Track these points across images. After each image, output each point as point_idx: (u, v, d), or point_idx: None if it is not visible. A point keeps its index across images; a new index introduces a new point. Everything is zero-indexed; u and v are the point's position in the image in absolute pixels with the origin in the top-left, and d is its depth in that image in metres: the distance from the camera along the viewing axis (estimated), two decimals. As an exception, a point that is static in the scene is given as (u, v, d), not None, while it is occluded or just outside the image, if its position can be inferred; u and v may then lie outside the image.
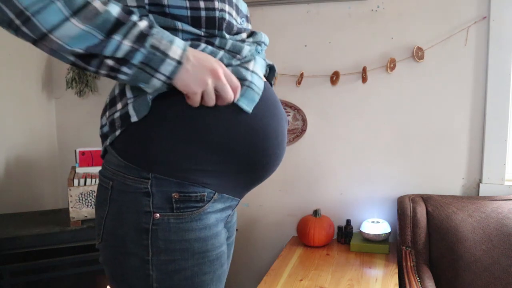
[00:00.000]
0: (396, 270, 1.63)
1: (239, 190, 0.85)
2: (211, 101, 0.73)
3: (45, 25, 0.62)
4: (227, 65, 0.78)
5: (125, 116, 0.75)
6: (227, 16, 0.78)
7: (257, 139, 0.79)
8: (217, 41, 0.77)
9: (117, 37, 0.65)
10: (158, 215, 0.74)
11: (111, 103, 0.79)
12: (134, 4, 0.74)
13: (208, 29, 0.77)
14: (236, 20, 0.83)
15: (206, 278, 0.79)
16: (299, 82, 1.96)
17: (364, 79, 1.88)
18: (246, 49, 0.81)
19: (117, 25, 0.65)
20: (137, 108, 0.74)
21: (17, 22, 0.62)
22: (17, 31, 0.64)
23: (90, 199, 1.56)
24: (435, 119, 1.86)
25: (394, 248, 1.84)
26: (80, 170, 1.65)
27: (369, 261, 1.72)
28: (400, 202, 1.80)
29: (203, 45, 0.76)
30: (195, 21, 0.76)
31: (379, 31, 1.88)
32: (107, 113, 0.80)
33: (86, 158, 1.67)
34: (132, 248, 0.76)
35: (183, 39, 0.75)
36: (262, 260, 2.11)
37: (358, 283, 1.52)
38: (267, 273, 1.61)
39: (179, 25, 0.75)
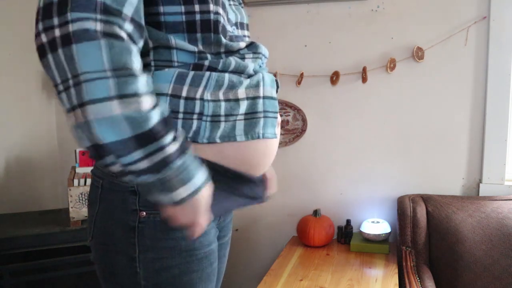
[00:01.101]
0: (396, 270, 1.63)
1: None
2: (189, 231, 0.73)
3: (88, 94, 0.60)
4: (237, 87, 0.78)
5: None
6: (221, 19, 0.78)
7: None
8: (220, 65, 0.76)
9: (137, 150, 0.62)
10: (144, 213, 0.75)
11: None
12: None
13: (204, 33, 0.77)
14: (229, 25, 0.83)
15: (194, 277, 0.79)
16: (299, 82, 1.96)
17: (364, 79, 1.88)
18: (250, 67, 0.81)
19: (148, 137, 0.62)
20: None
21: (69, 83, 0.60)
22: (63, 91, 0.62)
23: (87, 197, 1.56)
24: (435, 119, 1.86)
25: (394, 248, 1.84)
26: (80, 170, 1.65)
27: (369, 261, 1.72)
28: (400, 202, 1.80)
29: (207, 74, 0.75)
30: (190, 26, 0.76)
31: (379, 31, 1.88)
32: None
33: (86, 158, 1.67)
34: (120, 245, 0.76)
35: (179, 61, 0.75)
36: (262, 260, 2.11)
37: (358, 283, 1.52)
38: (267, 273, 1.61)
39: (173, 41, 0.74)
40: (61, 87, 0.62)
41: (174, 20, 0.75)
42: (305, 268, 1.65)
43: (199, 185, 0.69)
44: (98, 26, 0.59)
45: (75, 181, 1.55)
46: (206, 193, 0.71)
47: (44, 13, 0.60)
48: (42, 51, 0.63)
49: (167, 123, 0.65)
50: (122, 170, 0.64)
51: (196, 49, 0.76)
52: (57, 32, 0.60)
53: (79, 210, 1.56)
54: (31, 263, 1.52)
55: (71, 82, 0.60)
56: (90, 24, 0.59)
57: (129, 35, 0.64)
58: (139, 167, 0.63)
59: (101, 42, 0.59)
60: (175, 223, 0.72)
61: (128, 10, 0.63)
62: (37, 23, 0.62)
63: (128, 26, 0.63)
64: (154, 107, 0.63)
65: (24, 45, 1.93)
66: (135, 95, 0.61)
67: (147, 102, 0.62)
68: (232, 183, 0.81)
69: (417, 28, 1.83)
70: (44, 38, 0.61)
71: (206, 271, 0.81)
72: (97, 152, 0.63)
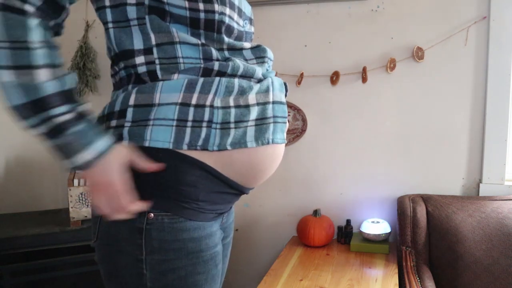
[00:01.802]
0: (396, 270, 1.63)
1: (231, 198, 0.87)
2: (102, 211, 0.74)
3: None
4: (247, 92, 0.78)
5: (118, 137, 0.76)
6: (227, 20, 0.78)
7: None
8: (229, 69, 0.77)
9: (34, 118, 0.66)
10: (152, 214, 0.74)
11: (109, 116, 0.79)
12: (134, 1, 0.74)
13: (207, 31, 0.77)
14: (237, 23, 0.83)
15: (200, 278, 0.79)
16: (299, 82, 1.96)
17: (364, 79, 1.88)
18: (258, 71, 0.82)
19: (39, 105, 0.66)
20: (131, 136, 0.75)
21: None
22: None
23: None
24: (435, 119, 1.86)
25: (394, 248, 1.84)
26: (80, 170, 1.65)
27: (369, 261, 1.72)
28: (400, 202, 1.80)
29: (216, 80, 0.76)
30: (193, 23, 0.76)
31: (379, 31, 1.88)
32: (105, 124, 0.79)
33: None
34: (126, 247, 0.76)
35: (184, 56, 0.76)
36: (262, 260, 2.11)
37: (358, 283, 1.52)
38: (267, 273, 1.61)
39: (175, 33, 0.74)
40: None
41: (179, 13, 0.75)
42: (305, 268, 1.65)
43: (102, 149, 0.70)
44: None
45: (75, 181, 1.55)
46: (114, 159, 0.71)
47: None
48: None
49: (65, 96, 0.68)
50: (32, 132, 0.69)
51: (199, 42, 0.76)
52: None
53: (79, 210, 1.56)
54: (31, 263, 1.52)
55: None
56: None
57: (37, 9, 0.67)
58: (39, 131, 0.68)
59: None
60: (93, 193, 0.73)
61: None
62: None
63: (35, 1, 0.66)
64: (51, 80, 0.67)
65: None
66: (29, 67, 0.65)
67: (41, 74, 0.66)
68: (227, 193, 0.82)
69: (417, 28, 1.83)
70: None
71: (212, 272, 0.81)
72: (12, 113, 0.69)
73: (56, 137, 0.68)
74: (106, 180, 0.71)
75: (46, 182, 2.13)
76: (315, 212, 1.90)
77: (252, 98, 0.78)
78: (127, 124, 0.75)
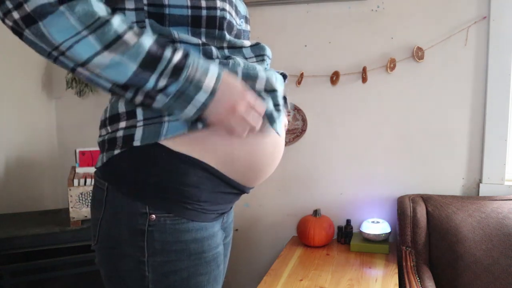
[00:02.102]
0: (396, 270, 1.63)
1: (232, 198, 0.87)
2: (242, 131, 0.74)
3: (78, 58, 0.64)
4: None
5: (129, 138, 0.74)
6: (227, 16, 0.78)
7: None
8: (229, 66, 0.76)
9: (151, 73, 0.66)
10: (154, 216, 0.74)
11: (113, 118, 0.77)
12: (133, 6, 0.73)
13: (209, 28, 0.77)
14: (235, 21, 0.83)
15: (203, 279, 0.79)
16: (299, 82, 1.96)
17: (364, 79, 1.88)
18: (261, 70, 0.80)
19: (151, 59, 0.66)
20: (145, 135, 0.73)
21: (55, 54, 0.65)
22: (55, 61, 0.67)
23: (90, 199, 1.56)
24: (435, 119, 1.86)
25: (394, 248, 1.84)
26: (80, 170, 1.65)
27: (369, 261, 1.72)
28: (400, 202, 1.80)
29: None
30: (195, 21, 0.75)
31: (379, 31, 1.88)
32: (109, 128, 0.78)
33: (86, 158, 1.67)
34: (127, 249, 0.75)
35: None
36: (262, 260, 2.11)
37: (358, 283, 1.52)
38: (267, 273, 1.61)
39: (176, 34, 0.74)
40: (51, 58, 0.67)
41: (180, 14, 0.74)
42: (305, 268, 1.65)
43: (218, 71, 0.70)
44: None
45: (75, 181, 1.55)
46: (229, 76, 0.72)
47: None
48: (15, 32, 0.66)
49: (160, 42, 0.67)
50: (151, 97, 0.69)
51: (199, 41, 0.76)
52: (15, 15, 0.62)
53: (79, 210, 1.56)
54: (31, 263, 1.52)
55: (55, 53, 0.65)
56: None
57: None
58: (161, 85, 0.67)
59: (60, 9, 0.61)
60: (227, 119, 0.72)
61: None
62: None
63: None
64: (141, 35, 0.66)
65: (24, 45, 1.93)
66: (118, 38, 0.64)
67: (131, 36, 0.65)
68: (227, 192, 0.82)
69: (417, 28, 1.83)
70: (9, 22, 0.64)
71: (214, 273, 0.81)
72: (120, 89, 0.69)
73: (177, 79, 0.67)
74: (235, 99, 0.72)
75: (46, 182, 2.13)
76: (315, 212, 1.90)
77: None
78: (140, 124, 0.74)
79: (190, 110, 0.70)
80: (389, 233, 1.85)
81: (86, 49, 0.63)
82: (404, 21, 1.85)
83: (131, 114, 0.75)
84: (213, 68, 0.70)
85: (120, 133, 0.75)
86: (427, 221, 1.72)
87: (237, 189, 0.84)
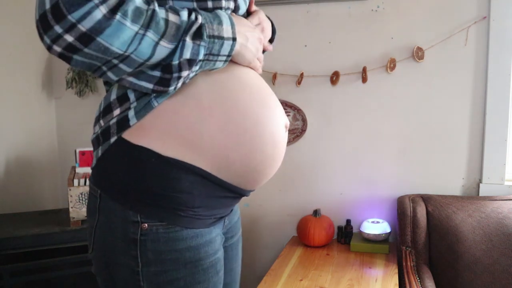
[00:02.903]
0: (396, 270, 1.63)
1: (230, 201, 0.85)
2: (260, 68, 0.82)
3: (143, 57, 0.64)
4: None
5: (124, 119, 0.72)
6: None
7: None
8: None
9: (184, 40, 0.66)
10: (146, 225, 0.72)
11: (106, 110, 0.76)
12: None
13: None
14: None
15: (201, 287, 0.77)
16: (299, 82, 1.96)
17: (364, 79, 1.88)
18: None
19: (185, 28, 0.67)
20: (138, 110, 0.72)
21: (115, 62, 0.65)
22: (110, 69, 0.66)
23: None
24: (435, 119, 1.86)
25: (394, 248, 1.84)
26: (80, 170, 1.65)
27: (369, 261, 1.72)
28: (400, 202, 1.80)
29: None
30: None
31: (379, 31, 1.88)
32: (101, 122, 0.76)
33: (86, 158, 1.67)
34: (121, 259, 0.74)
35: None
36: (262, 260, 2.11)
37: (358, 283, 1.52)
38: (267, 273, 1.61)
39: (171, 2, 0.71)
40: (103, 69, 0.66)
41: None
42: (305, 268, 1.65)
43: (227, 16, 0.73)
44: (103, 9, 0.60)
45: (75, 181, 1.55)
46: (237, 18, 0.76)
47: (44, 26, 0.61)
48: (65, 58, 0.64)
49: (175, 9, 0.68)
50: (188, 69, 0.68)
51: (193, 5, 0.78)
52: (69, 38, 0.60)
53: (79, 210, 1.56)
54: (31, 263, 1.52)
55: (115, 61, 0.65)
56: (97, 13, 0.59)
57: None
58: (194, 50, 0.68)
59: (116, 19, 0.60)
60: (251, 58, 0.79)
61: None
62: (42, 37, 0.62)
63: None
64: (176, 12, 0.67)
65: (24, 45, 1.93)
66: (167, 23, 0.65)
67: (175, 16, 0.66)
68: (224, 196, 0.80)
69: (417, 28, 1.83)
70: (58, 48, 0.62)
71: (213, 280, 0.79)
72: (162, 87, 0.69)
73: (202, 38, 0.67)
74: (257, 35, 0.79)
75: (46, 182, 2.13)
76: (315, 212, 1.90)
77: None
78: (133, 105, 0.72)
79: (219, 64, 0.73)
80: (389, 233, 1.85)
81: (148, 46, 0.63)
82: (404, 21, 1.85)
83: (123, 98, 0.73)
84: (223, 16, 0.72)
85: (113, 120, 0.74)
86: (427, 221, 1.72)
87: (236, 193, 0.81)
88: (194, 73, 0.71)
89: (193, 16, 0.67)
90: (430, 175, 1.88)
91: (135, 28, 0.62)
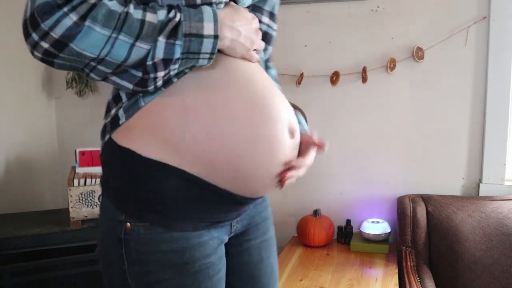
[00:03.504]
0: (396, 270, 1.63)
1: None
2: (254, 57, 0.77)
3: (118, 59, 0.65)
4: None
5: (115, 117, 0.74)
6: None
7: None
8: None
9: (157, 40, 0.65)
10: (129, 224, 0.72)
11: (107, 109, 0.79)
12: None
13: None
14: None
15: None
16: (299, 82, 1.96)
17: (364, 79, 1.88)
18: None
19: (161, 28, 0.66)
20: (126, 109, 0.73)
21: (93, 64, 0.65)
22: (92, 70, 0.67)
23: (90, 199, 1.56)
24: (435, 119, 1.86)
25: (394, 248, 1.84)
26: (80, 170, 1.64)
27: (369, 261, 1.72)
28: (400, 202, 1.80)
29: None
30: None
31: (379, 31, 1.88)
32: (103, 120, 0.79)
33: (86, 158, 1.67)
34: (112, 256, 0.75)
35: None
36: (262, 260, 2.11)
37: (358, 283, 1.52)
38: (267, 273, 1.61)
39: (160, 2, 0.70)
40: (86, 71, 0.67)
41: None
42: (305, 268, 1.65)
43: (212, 12, 0.69)
44: (73, 16, 0.61)
45: (75, 181, 1.55)
46: (222, 11, 0.72)
47: (25, 33, 0.64)
48: (47, 62, 0.67)
49: (153, 7, 0.67)
50: (164, 70, 0.67)
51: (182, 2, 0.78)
52: (44, 44, 0.63)
53: (79, 210, 1.56)
54: (31, 263, 1.52)
55: (93, 63, 0.65)
56: (67, 21, 0.61)
57: None
58: (167, 50, 0.66)
59: (86, 25, 0.62)
60: (243, 51, 0.75)
61: None
62: (26, 43, 0.65)
63: None
64: (154, 11, 0.66)
65: (24, 45, 1.93)
66: (142, 24, 0.64)
67: (152, 16, 0.65)
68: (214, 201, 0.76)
69: (417, 28, 1.83)
70: (38, 54, 0.65)
71: (204, 285, 0.77)
72: (141, 87, 0.69)
73: (176, 36, 0.66)
74: (253, 27, 0.75)
75: (46, 182, 2.13)
76: (315, 212, 1.90)
77: None
78: (124, 104, 0.73)
79: (203, 61, 0.70)
80: (389, 233, 1.85)
81: (122, 48, 0.64)
82: (404, 21, 1.85)
83: (117, 98, 0.75)
84: (207, 13, 0.68)
85: (109, 119, 0.76)
86: (427, 221, 1.72)
87: (229, 198, 0.76)
88: (175, 71, 0.69)
89: (171, 14, 0.66)
90: (430, 175, 1.88)
91: (106, 32, 0.62)
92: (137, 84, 0.69)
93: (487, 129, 1.79)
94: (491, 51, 1.76)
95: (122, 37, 0.63)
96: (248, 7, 0.81)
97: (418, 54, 1.82)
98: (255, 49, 0.79)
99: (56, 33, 0.61)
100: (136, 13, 0.65)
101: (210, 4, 0.71)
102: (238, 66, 0.76)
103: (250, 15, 0.76)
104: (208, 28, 0.67)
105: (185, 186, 0.72)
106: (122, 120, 0.73)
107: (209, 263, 0.77)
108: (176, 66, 0.68)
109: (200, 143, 0.70)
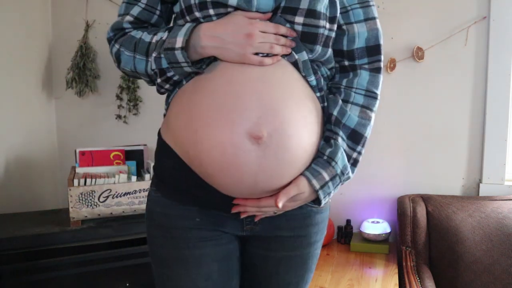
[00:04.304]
0: (396, 270, 1.63)
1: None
2: (254, 60, 0.78)
3: (129, 67, 0.88)
4: None
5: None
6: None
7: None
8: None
9: (151, 55, 0.84)
10: (150, 189, 0.94)
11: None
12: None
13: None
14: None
15: (168, 252, 0.89)
16: (299, 82, 1.95)
17: (364, 79, 1.88)
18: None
19: (156, 46, 0.83)
20: (166, 103, 0.92)
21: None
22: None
23: (90, 199, 1.55)
24: (435, 119, 1.86)
25: (394, 248, 1.84)
26: (80, 170, 1.64)
27: (369, 261, 1.72)
28: (400, 202, 1.80)
29: None
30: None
31: (379, 31, 1.87)
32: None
33: (86, 158, 1.67)
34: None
35: None
36: (262, 260, 2.11)
37: (358, 283, 1.52)
38: (267, 273, 1.61)
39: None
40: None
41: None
42: (305, 268, 1.65)
43: (186, 28, 0.80)
44: (117, 45, 0.90)
45: (75, 181, 1.55)
46: (200, 26, 0.81)
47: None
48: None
49: (158, 32, 0.85)
50: (162, 77, 0.85)
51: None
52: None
53: (79, 210, 1.56)
54: (31, 263, 1.51)
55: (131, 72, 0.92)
56: (114, 48, 0.91)
57: (131, 23, 0.90)
58: (157, 63, 0.83)
59: (121, 50, 0.88)
60: (234, 56, 0.79)
61: (120, 17, 0.91)
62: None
63: (116, 24, 0.90)
64: (156, 34, 0.85)
65: (24, 45, 1.93)
66: (149, 45, 0.84)
67: (155, 38, 0.83)
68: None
69: (417, 28, 1.83)
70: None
71: (183, 252, 0.87)
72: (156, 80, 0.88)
73: (159, 51, 0.81)
74: (221, 37, 0.78)
75: (46, 182, 2.13)
76: (315, 212, 1.90)
77: None
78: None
79: (187, 69, 0.81)
80: (389, 233, 1.85)
81: (140, 62, 0.86)
82: (404, 21, 1.85)
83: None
84: (184, 29, 0.79)
85: None
86: (427, 221, 1.72)
87: (209, 189, 0.82)
88: (176, 77, 0.84)
89: (165, 34, 0.81)
90: (430, 175, 1.88)
91: (130, 54, 0.87)
92: (157, 87, 0.89)
93: (487, 129, 1.79)
94: (491, 51, 1.76)
95: (137, 56, 0.85)
96: (275, 11, 0.80)
97: (418, 54, 1.82)
98: (277, 53, 0.80)
99: (113, 55, 0.91)
100: (146, 37, 0.85)
101: (209, 16, 0.80)
102: (224, 70, 0.80)
103: (246, 21, 0.77)
104: (178, 42, 0.78)
105: (179, 164, 0.84)
106: (164, 111, 0.93)
107: (191, 236, 0.87)
108: (171, 73, 0.83)
109: (181, 134, 0.83)
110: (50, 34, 2.11)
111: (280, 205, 0.79)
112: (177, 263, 0.88)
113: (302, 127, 0.80)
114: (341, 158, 0.87)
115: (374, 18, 0.94)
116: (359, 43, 0.89)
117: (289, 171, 0.80)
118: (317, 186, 0.82)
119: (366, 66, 0.90)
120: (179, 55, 0.78)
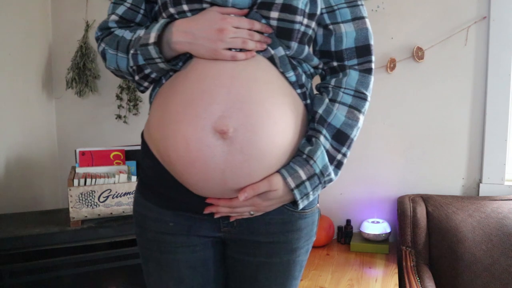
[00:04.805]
0: (396, 270, 1.63)
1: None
2: (225, 56, 0.77)
3: (123, 68, 0.88)
4: None
5: None
6: None
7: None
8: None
9: (129, 52, 0.85)
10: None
11: None
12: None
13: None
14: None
15: (145, 253, 0.93)
16: (299, 82, 1.95)
17: (364, 79, 1.88)
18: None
19: (133, 43, 0.84)
20: (150, 102, 0.94)
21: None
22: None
23: (90, 199, 1.55)
24: (435, 119, 1.85)
25: (394, 248, 1.84)
26: (80, 170, 1.64)
27: (369, 261, 1.72)
28: (400, 202, 1.80)
29: None
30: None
31: (379, 31, 1.87)
32: None
33: (86, 158, 1.67)
34: None
35: None
36: (262, 260, 2.11)
37: (358, 283, 1.52)
38: (267, 273, 1.61)
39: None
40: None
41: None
42: (305, 268, 1.65)
43: (160, 23, 0.81)
44: (103, 44, 0.91)
45: (75, 181, 1.55)
46: (174, 23, 0.81)
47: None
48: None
49: (137, 30, 0.86)
50: (140, 73, 0.86)
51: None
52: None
53: (79, 210, 1.56)
54: (31, 263, 1.52)
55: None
56: (101, 48, 0.91)
57: (116, 22, 0.90)
58: (134, 59, 0.84)
59: (106, 48, 0.89)
60: (205, 52, 0.79)
61: (108, 18, 0.91)
62: None
63: (103, 24, 0.91)
64: (134, 32, 0.85)
65: (24, 45, 1.93)
66: (129, 43, 0.84)
67: (133, 35, 0.85)
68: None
69: (417, 28, 1.83)
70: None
71: (154, 255, 0.90)
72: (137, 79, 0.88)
73: (135, 47, 0.82)
74: (193, 33, 0.78)
75: (46, 182, 2.13)
76: (315, 212, 1.90)
77: None
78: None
79: (161, 65, 0.82)
80: (389, 233, 1.85)
81: (122, 60, 0.87)
82: (404, 21, 1.85)
83: None
84: (157, 26, 0.80)
85: None
86: (427, 221, 1.72)
87: (182, 190, 0.82)
88: (154, 74, 0.85)
89: (143, 31, 0.82)
90: (430, 175, 1.88)
91: (113, 52, 0.88)
92: (136, 84, 0.90)
93: (487, 129, 1.79)
94: (491, 51, 1.76)
95: (119, 54, 0.86)
96: (252, 7, 0.78)
97: (418, 54, 1.82)
98: (248, 49, 0.78)
99: (100, 53, 0.92)
100: (127, 35, 0.85)
101: (184, 12, 0.80)
102: (197, 66, 0.80)
103: (219, 17, 0.76)
104: (151, 37, 0.79)
105: (154, 166, 0.85)
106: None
107: (162, 239, 0.88)
108: (148, 70, 0.84)
109: (154, 131, 0.84)
110: (50, 34, 2.11)
111: (241, 198, 0.76)
112: (152, 263, 0.91)
113: (274, 123, 0.76)
114: (321, 157, 0.81)
115: (362, 18, 0.86)
116: (348, 43, 0.85)
117: (257, 168, 0.76)
118: (292, 184, 0.78)
119: (356, 67, 0.86)
120: (152, 51, 0.79)
